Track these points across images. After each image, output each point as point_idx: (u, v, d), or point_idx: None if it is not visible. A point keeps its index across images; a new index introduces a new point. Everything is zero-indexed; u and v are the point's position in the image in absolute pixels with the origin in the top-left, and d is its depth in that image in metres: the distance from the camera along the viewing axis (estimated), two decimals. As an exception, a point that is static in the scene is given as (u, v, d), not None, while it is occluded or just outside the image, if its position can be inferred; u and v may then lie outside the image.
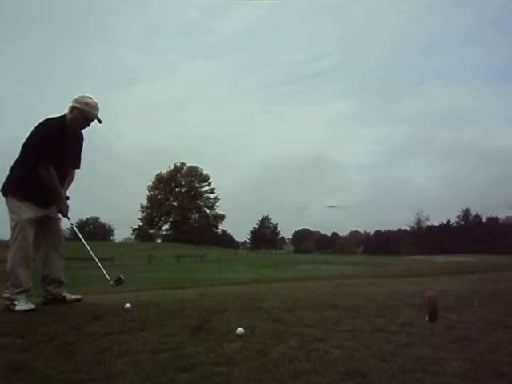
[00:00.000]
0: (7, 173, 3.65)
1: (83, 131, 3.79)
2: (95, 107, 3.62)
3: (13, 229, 3.45)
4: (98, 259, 3.91)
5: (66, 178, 3.73)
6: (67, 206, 3.71)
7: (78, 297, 3.84)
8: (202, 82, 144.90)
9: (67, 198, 3.73)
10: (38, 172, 3.47)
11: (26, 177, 3.53)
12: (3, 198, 3.60)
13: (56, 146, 3.51)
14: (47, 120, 3.61)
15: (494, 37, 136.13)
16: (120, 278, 3.34)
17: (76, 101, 3.58)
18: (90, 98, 3.62)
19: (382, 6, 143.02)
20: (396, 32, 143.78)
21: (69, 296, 3.79)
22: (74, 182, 3.87)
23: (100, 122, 3.67)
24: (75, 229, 3.82)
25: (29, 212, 3.48)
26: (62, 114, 3.62)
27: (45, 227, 3.66)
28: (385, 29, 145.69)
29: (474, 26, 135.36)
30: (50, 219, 3.68)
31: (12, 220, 3.48)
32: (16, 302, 3.32)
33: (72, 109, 3.58)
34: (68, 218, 3.76)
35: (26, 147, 3.56)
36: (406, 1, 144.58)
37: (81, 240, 3.88)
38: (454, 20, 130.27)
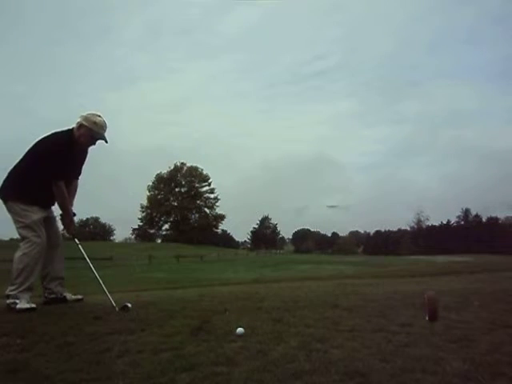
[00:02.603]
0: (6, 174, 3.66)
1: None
2: (103, 127, 3.62)
3: (23, 230, 3.47)
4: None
5: (69, 190, 3.74)
6: (74, 225, 3.77)
7: (79, 297, 3.86)
8: (203, 81, 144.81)
9: (74, 214, 3.76)
10: (53, 189, 3.53)
11: (30, 183, 3.55)
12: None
13: (62, 160, 3.53)
14: (55, 134, 3.63)
15: (496, 36, 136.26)
16: (126, 306, 3.34)
17: (85, 118, 3.57)
18: (99, 117, 3.62)
19: (383, 6, 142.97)
20: (397, 32, 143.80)
21: (69, 296, 3.79)
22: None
23: (106, 142, 3.67)
24: (81, 248, 3.80)
25: (37, 213, 3.52)
26: (70, 127, 3.63)
27: (45, 226, 3.67)
28: (386, 28, 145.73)
29: (475, 25, 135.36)
30: (49, 218, 3.71)
31: (19, 222, 3.50)
32: (18, 301, 3.32)
33: (80, 126, 3.58)
34: (74, 237, 3.78)
35: (33, 159, 3.58)
36: (408, 0, 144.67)
37: (85, 256, 3.86)
38: (456, 19, 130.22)
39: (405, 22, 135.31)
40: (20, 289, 3.38)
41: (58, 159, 3.51)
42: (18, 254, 3.45)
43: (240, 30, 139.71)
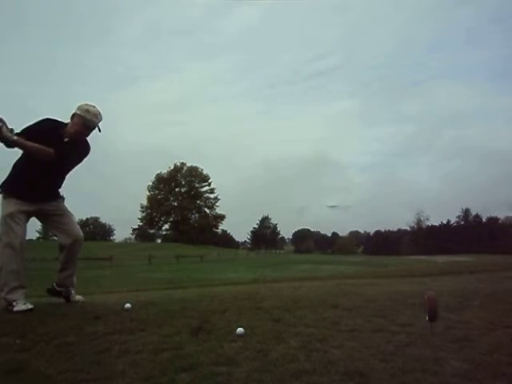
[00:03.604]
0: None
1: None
2: (96, 116, 3.56)
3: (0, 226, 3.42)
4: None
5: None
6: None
7: (82, 299, 3.87)
8: (203, 81, 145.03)
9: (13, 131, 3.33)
10: None
11: (10, 175, 3.54)
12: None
13: (41, 139, 3.36)
14: (47, 118, 3.60)
15: (498, 36, 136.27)
16: None
17: (78, 107, 3.56)
18: (94, 107, 3.59)
19: (384, 6, 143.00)
20: (398, 31, 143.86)
21: (73, 296, 3.81)
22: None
23: (100, 130, 3.62)
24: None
25: (10, 207, 3.40)
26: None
27: (57, 222, 3.68)
28: (387, 28, 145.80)
29: (476, 24, 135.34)
30: (52, 215, 3.67)
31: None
32: (14, 303, 3.30)
33: (73, 115, 3.56)
34: None
35: None
36: (408, 0, 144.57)
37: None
38: (457, 19, 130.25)
39: (405, 22, 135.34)
40: (6, 290, 3.33)
41: (33, 134, 3.36)
42: None
43: (240, 30, 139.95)
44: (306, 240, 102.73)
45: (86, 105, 3.58)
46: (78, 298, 3.85)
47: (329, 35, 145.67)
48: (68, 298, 3.77)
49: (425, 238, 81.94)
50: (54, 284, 3.78)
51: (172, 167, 77.81)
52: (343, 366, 1.99)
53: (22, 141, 3.29)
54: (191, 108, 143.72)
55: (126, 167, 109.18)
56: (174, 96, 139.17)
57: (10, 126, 3.25)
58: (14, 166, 3.56)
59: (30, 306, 3.33)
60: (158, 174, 77.45)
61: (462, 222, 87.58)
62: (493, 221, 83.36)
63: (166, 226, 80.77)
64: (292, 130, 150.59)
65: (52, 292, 3.78)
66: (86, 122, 3.53)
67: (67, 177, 3.77)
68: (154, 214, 77.35)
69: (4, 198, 3.48)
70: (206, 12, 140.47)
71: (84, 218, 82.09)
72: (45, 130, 3.47)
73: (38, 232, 61.13)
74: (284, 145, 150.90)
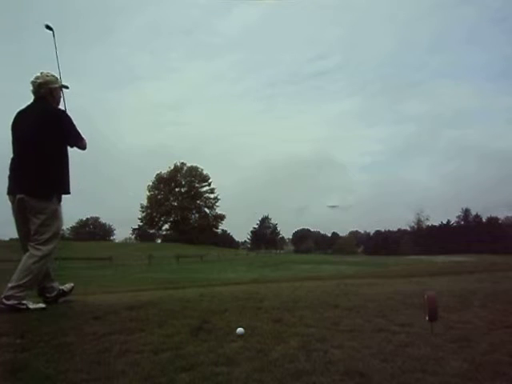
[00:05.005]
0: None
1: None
2: (50, 77, 3.64)
3: (51, 237, 3.40)
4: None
5: None
6: None
7: (72, 284, 3.90)
8: (203, 81, 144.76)
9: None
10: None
11: (63, 176, 3.54)
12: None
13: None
14: (44, 103, 3.59)
15: (498, 36, 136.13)
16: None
17: (49, 82, 3.58)
18: (40, 74, 3.60)
19: (384, 6, 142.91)
20: (398, 31, 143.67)
21: (65, 287, 3.80)
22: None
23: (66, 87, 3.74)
24: None
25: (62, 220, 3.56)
26: (34, 101, 3.61)
27: None
28: (387, 28, 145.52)
29: (477, 24, 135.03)
30: None
31: (51, 226, 3.40)
32: (24, 301, 3.28)
33: (54, 90, 3.61)
34: None
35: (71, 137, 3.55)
36: (408, 0, 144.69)
37: None
38: (457, 19, 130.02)
39: (405, 22, 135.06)
40: (25, 292, 3.32)
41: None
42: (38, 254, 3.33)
43: (240, 30, 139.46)
44: (305, 240, 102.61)
45: (48, 76, 3.60)
46: (69, 285, 3.86)
47: (329, 35, 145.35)
48: (64, 293, 3.76)
49: (425, 238, 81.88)
50: (47, 294, 3.67)
51: (172, 167, 77.84)
52: (343, 366, 1.99)
53: None
54: (191, 108, 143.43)
55: (126, 167, 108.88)
56: (174, 96, 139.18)
57: None
58: (47, 165, 3.40)
59: (44, 306, 3.37)
60: (158, 174, 77.45)
61: (462, 222, 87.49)
62: (493, 221, 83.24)
63: (166, 226, 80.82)
64: (292, 130, 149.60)
65: (51, 302, 3.64)
66: (60, 87, 3.68)
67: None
68: (154, 214, 77.32)
69: (59, 204, 3.52)
70: (205, 12, 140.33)
71: (84, 218, 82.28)
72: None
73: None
74: (284, 145, 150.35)
